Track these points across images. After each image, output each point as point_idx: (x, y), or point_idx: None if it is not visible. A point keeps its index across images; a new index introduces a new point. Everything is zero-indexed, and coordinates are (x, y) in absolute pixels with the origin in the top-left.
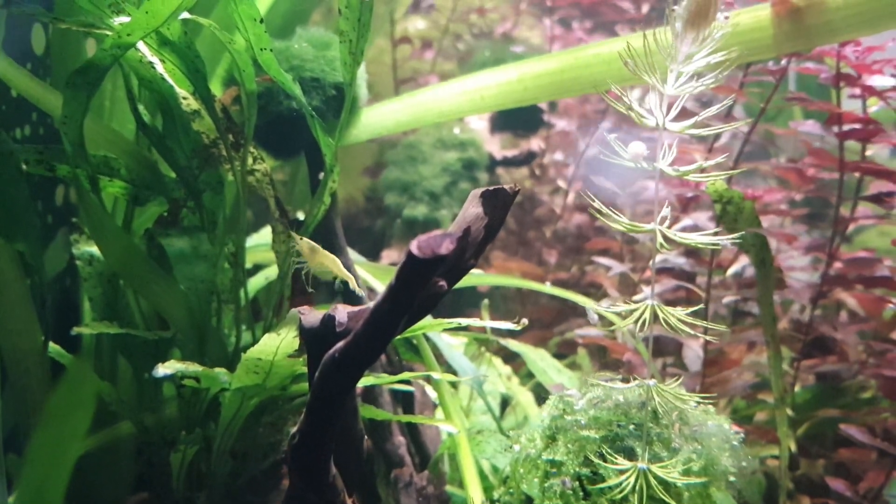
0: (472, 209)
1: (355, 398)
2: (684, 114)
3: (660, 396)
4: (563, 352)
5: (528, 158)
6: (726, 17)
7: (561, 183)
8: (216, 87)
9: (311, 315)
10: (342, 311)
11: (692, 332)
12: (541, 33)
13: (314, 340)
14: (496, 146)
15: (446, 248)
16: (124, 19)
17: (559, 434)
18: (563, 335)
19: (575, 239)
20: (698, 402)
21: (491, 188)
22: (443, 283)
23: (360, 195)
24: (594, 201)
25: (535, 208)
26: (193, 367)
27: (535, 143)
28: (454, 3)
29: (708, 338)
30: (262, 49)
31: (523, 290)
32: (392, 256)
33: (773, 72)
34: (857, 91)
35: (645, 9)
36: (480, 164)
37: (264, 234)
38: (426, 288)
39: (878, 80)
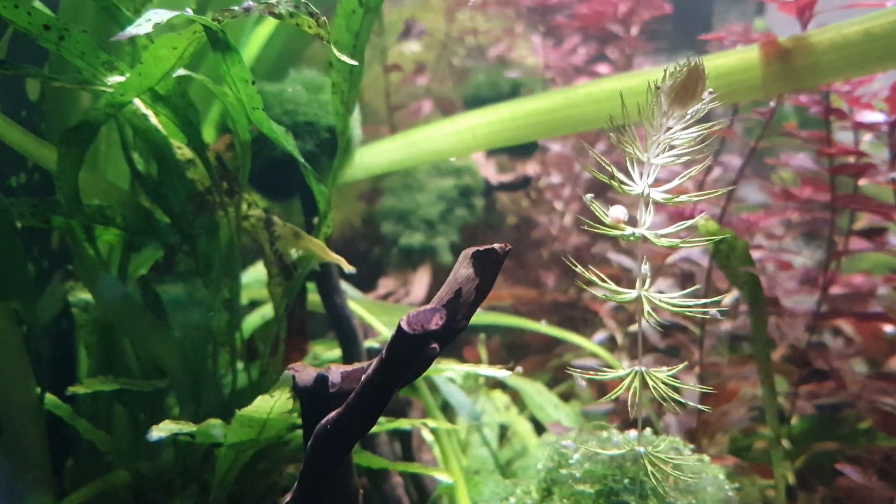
0: (462, 270)
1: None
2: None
3: (650, 464)
4: (561, 376)
5: (523, 183)
6: (711, 93)
7: (557, 205)
8: (209, 131)
9: (305, 373)
10: (335, 372)
11: (681, 398)
12: (536, 53)
13: (308, 399)
14: (492, 171)
15: (436, 323)
16: (118, 79)
17: (555, 487)
18: (561, 357)
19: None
20: (692, 451)
21: (482, 248)
22: (435, 345)
23: (356, 219)
24: (576, 266)
25: (531, 230)
26: (188, 427)
27: (531, 167)
28: (447, 26)
29: (700, 407)
30: (254, 108)
31: (522, 313)
32: (389, 285)
33: (763, 113)
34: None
35: (634, 31)
36: (476, 190)
37: (261, 269)
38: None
39: (867, 116)
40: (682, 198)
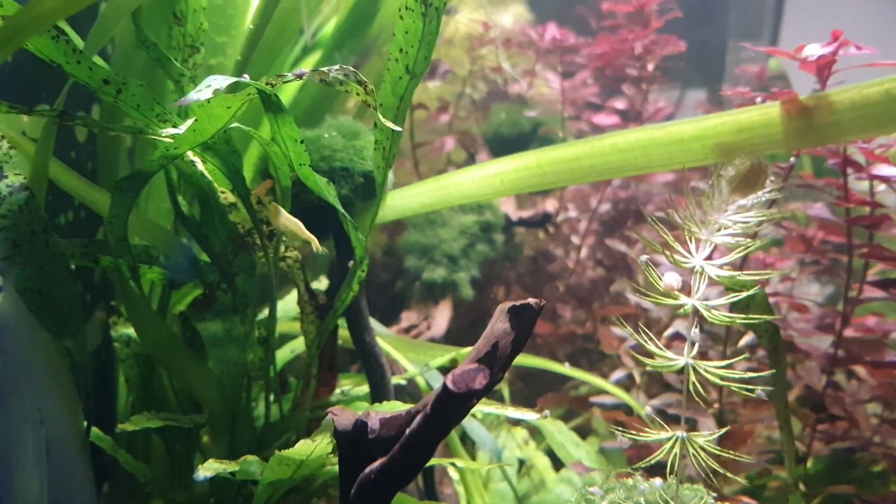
0: (499, 324)
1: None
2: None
3: None
4: (575, 408)
5: (543, 220)
6: (772, 180)
7: (574, 239)
8: (247, 171)
9: (344, 417)
10: (374, 419)
11: (722, 469)
12: (554, 90)
13: (347, 443)
14: (511, 206)
15: (480, 382)
16: (172, 131)
17: None
18: (577, 389)
19: (588, 293)
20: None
21: (518, 304)
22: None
23: (378, 249)
24: (625, 325)
25: (548, 263)
26: (232, 466)
27: (550, 204)
28: (470, 65)
29: (731, 475)
30: (300, 164)
31: (537, 342)
32: (411, 318)
33: (782, 167)
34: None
35: (651, 67)
36: (497, 226)
37: (289, 302)
38: None
39: (884, 170)
40: (739, 276)
